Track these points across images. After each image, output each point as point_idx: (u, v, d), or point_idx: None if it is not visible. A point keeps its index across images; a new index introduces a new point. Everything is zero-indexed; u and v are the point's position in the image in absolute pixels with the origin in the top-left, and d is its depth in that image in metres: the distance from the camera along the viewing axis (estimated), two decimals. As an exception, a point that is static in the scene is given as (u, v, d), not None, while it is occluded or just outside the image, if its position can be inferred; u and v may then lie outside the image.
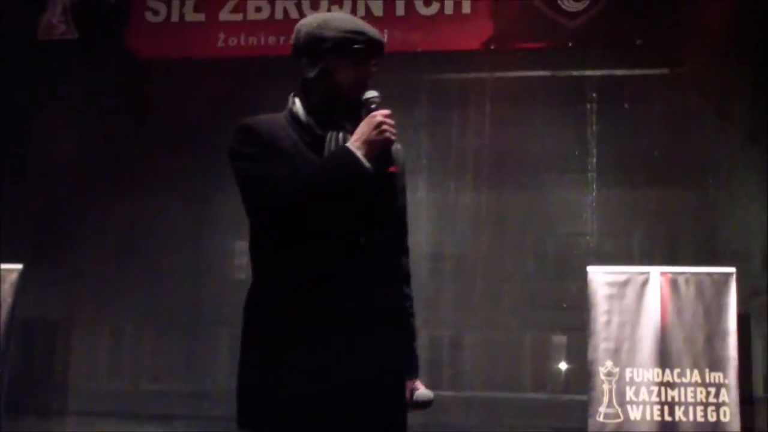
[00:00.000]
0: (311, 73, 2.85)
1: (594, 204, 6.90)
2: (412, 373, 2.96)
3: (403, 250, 3.01)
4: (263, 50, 7.48)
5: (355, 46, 2.82)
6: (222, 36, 7.57)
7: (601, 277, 6.29)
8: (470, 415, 6.72)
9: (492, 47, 7.10)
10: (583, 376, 6.32)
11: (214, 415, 7.12)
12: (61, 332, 7.59)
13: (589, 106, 6.98)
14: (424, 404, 2.97)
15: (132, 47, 7.78)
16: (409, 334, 2.99)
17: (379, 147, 2.77)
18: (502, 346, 6.88)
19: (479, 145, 7.12)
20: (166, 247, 7.29)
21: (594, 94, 6.97)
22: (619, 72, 7.07)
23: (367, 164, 2.74)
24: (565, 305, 6.82)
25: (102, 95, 7.57)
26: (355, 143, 2.76)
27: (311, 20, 2.91)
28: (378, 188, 2.81)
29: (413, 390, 2.96)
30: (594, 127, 6.94)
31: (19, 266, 6.89)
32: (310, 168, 2.75)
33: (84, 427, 7.21)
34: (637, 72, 7.05)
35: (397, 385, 2.87)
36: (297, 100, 2.89)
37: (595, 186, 6.91)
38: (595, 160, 6.92)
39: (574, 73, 7.09)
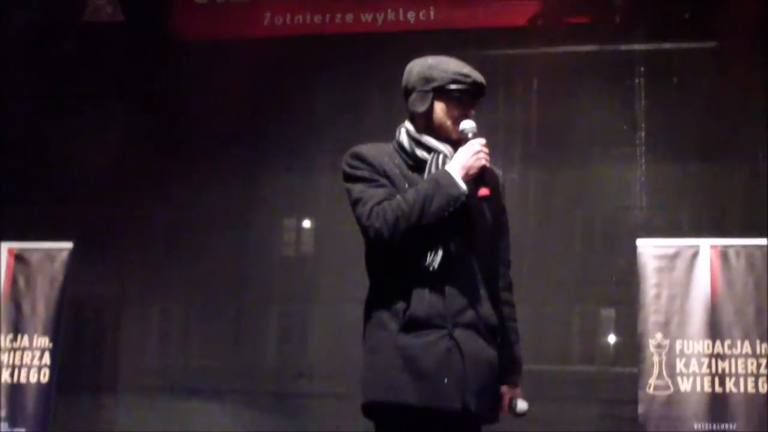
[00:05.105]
0: (420, 108, 3.17)
1: (642, 178, 6.90)
2: (513, 378, 3.20)
3: (504, 262, 3.30)
4: (309, 29, 7.53)
5: (460, 87, 3.13)
6: (268, 15, 7.61)
7: (650, 250, 6.30)
8: (520, 388, 6.73)
9: (538, 23, 7.12)
10: (632, 349, 6.33)
11: (262, 390, 7.20)
12: (111, 310, 7.66)
13: (636, 80, 6.98)
14: (519, 414, 3.13)
15: (177, 28, 7.83)
16: (510, 340, 3.23)
17: (475, 172, 3.05)
18: (552, 320, 6.89)
19: (526, 122, 7.15)
20: (215, 226, 7.35)
21: (642, 69, 6.98)
22: (666, 46, 7.07)
23: (463, 186, 3.03)
24: (614, 279, 6.83)
25: (147, 77, 7.63)
26: (453, 167, 3.06)
27: (422, 61, 3.24)
28: (469, 209, 3.10)
29: (512, 397, 3.14)
30: (642, 102, 6.95)
31: (69, 245, 6.97)
32: (413, 188, 3.07)
33: (135, 403, 7.29)
34: (685, 45, 7.05)
35: (496, 384, 3.14)
36: (404, 131, 3.22)
37: (643, 160, 6.92)
38: (643, 134, 6.93)
39: (622, 47, 7.09)
